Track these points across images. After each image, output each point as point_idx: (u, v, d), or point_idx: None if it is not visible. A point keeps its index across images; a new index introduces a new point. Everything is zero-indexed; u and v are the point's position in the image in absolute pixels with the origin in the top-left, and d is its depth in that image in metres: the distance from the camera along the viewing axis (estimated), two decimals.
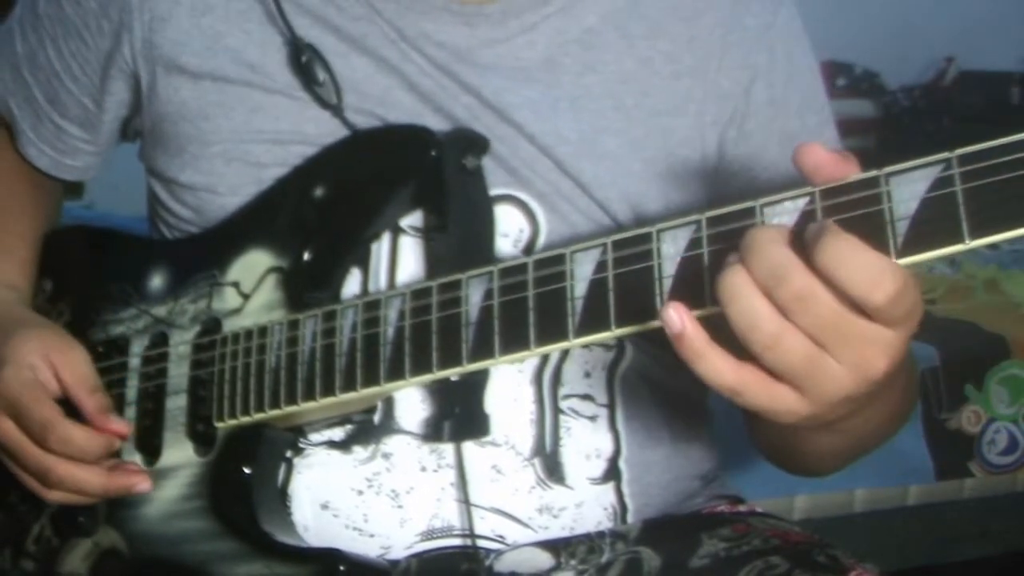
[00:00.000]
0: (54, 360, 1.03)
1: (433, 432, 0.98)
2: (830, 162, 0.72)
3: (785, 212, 0.74)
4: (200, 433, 1.02)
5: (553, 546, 1.02)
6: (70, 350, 1.05)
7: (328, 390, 0.94)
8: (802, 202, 0.73)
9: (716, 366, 0.72)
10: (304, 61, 1.01)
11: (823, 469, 1.03)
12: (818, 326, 0.70)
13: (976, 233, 0.68)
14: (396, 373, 0.90)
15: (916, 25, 3.49)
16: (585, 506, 1.02)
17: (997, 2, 3.51)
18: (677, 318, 0.72)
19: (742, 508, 1.11)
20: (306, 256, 0.99)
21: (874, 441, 0.95)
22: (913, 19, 3.48)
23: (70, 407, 1.02)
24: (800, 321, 0.70)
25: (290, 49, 1.02)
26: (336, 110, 1.01)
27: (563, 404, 1.02)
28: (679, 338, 0.72)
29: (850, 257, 0.68)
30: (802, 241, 0.70)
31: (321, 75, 1.01)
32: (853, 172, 0.72)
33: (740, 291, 0.70)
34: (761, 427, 0.96)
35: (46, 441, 0.99)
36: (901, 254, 0.70)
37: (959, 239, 0.68)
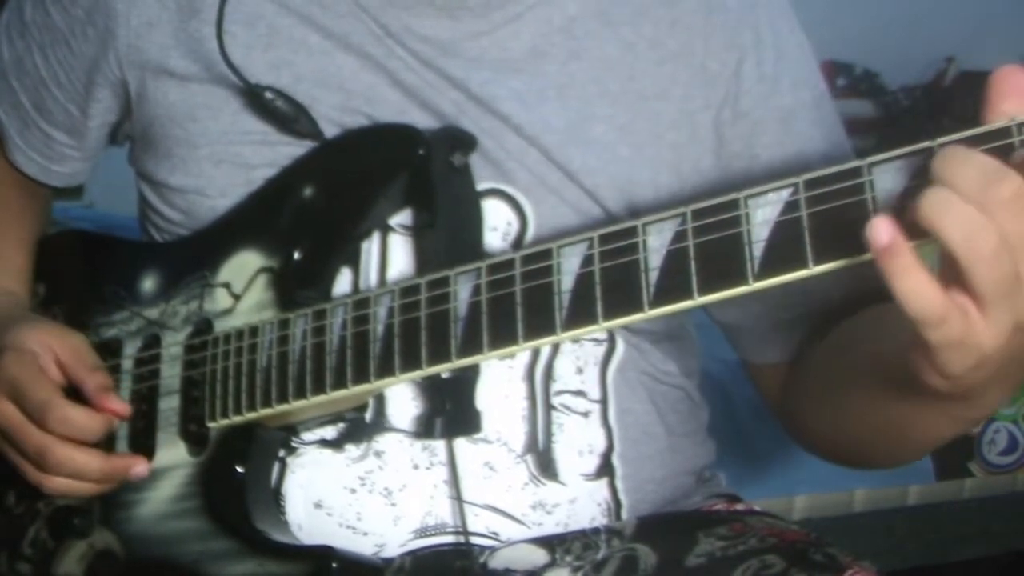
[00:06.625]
0: (53, 345, 1.03)
1: (425, 429, 0.98)
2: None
3: (769, 203, 0.75)
4: (193, 433, 1.02)
5: (548, 543, 1.01)
6: (69, 335, 1.05)
7: (319, 388, 0.94)
8: (786, 193, 0.74)
9: (922, 285, 0.67)
10: (271, 104, 0.99)
11: (893, 459, 1.02)
12: None
13: None
14: (386, 370, 0.90)
15: (916, 25, 3.49)
16: (579, 502, 1.02)
17: (997, 2, 3.51)
18: (886, 228, 0.67)
19: (739, 507, 1.11)
20: (296, 256, 1.00)
21: (945, 433, 0.94)
22: (913, 19, 3.47)
23: (71, 395, 1.02)
24: (1011, 227, 0.66)
25: (248, 99, 1.01)
26: (317, 137, 1.00)
27: (555, 400, 1.02)
28: (886, 251, 0.67)
29: None
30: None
31: (291, 111, 0.99)
32: None
33: (951, 201, 0.66)
34: (853, 405, 0.94)
35: (45, 421, 0.99)
36: None
37: None
